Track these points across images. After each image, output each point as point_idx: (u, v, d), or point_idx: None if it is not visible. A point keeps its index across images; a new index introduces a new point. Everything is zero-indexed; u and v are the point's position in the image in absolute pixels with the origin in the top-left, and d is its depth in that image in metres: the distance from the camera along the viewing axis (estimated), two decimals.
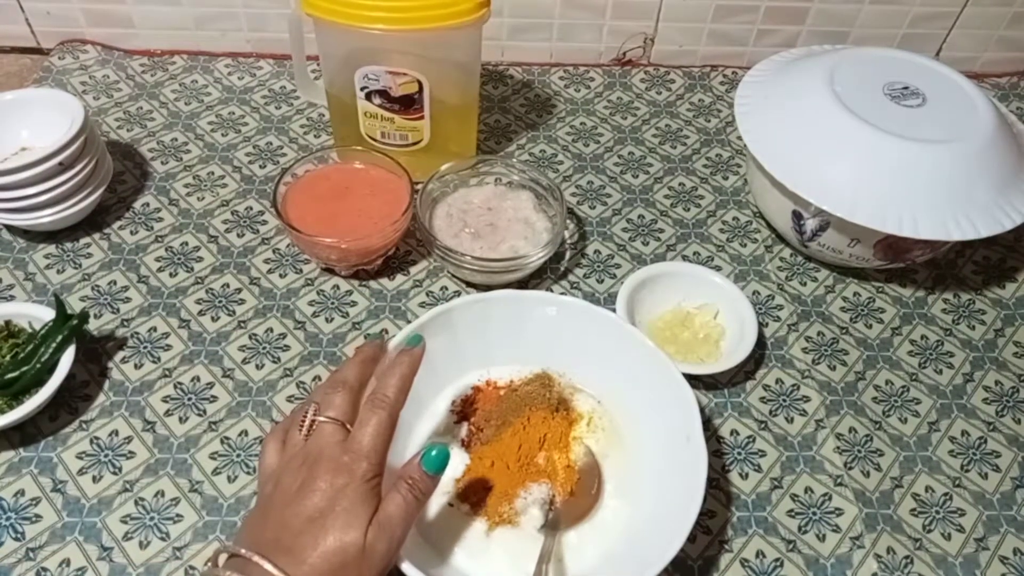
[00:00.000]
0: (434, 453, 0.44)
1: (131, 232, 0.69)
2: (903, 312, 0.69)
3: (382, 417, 0.44)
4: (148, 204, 0.72)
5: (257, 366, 0.61)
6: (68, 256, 0.67)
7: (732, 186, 0.79)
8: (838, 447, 0.59)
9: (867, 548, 0.54)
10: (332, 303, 0.65)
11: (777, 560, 0.53)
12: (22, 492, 0.53)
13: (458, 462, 0.54)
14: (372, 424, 0.44)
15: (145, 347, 0.61)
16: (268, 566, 0.39)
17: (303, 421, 0.45)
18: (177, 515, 0.53)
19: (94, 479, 0.54)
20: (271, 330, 0.63)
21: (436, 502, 0.53)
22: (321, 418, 0.45)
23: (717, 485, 0.57)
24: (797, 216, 0.66)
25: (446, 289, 0.67)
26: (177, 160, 0.76)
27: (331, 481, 0.42)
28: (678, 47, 0.90)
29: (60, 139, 0.62)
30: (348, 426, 0.45)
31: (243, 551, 0.40)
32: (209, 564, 0.41)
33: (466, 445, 0.55)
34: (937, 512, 0.56)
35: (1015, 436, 0.61)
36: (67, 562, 0.50)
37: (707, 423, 0.60)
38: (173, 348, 0.62)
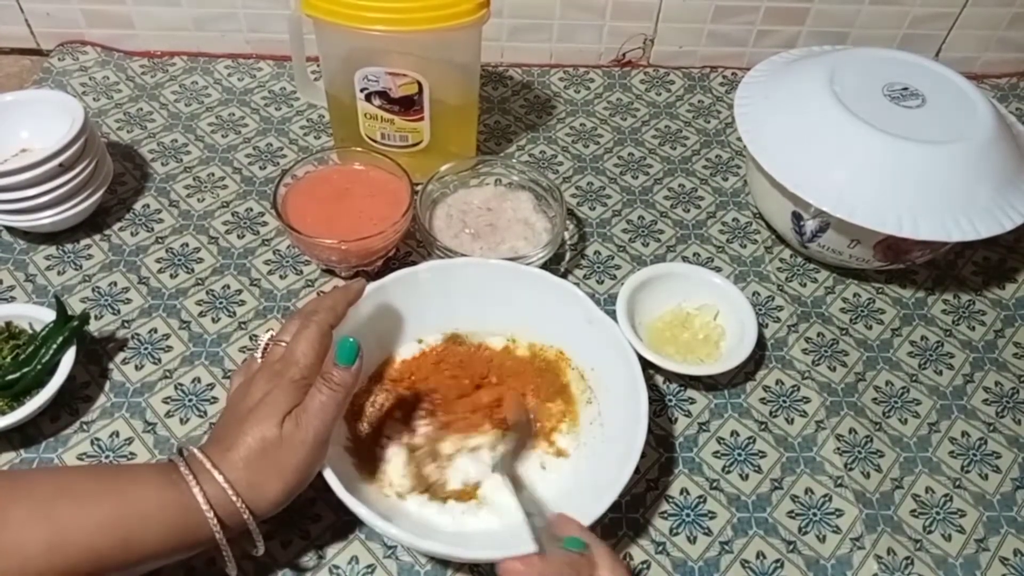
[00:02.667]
0: (347, 345, 0.47)
1: (131, 233, 0.70)
2: (903, 313, 0.69)
3: (311, 329, 0.48)
4: (148, 205, 0.72)
5: None
6: (68, 257, 0.67)
7: (732, 187, 0.79)
8: (838, 448, 0.59)
9: (867, 549, 0.54)
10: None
11: (778, 561, 0.53)
12: None
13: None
14: (303, 336, 0.48)
15: (146, 348, 0.61)
16: (199, 454, 0.44)
17: (262, 347, 0.51)
18: None
19: None
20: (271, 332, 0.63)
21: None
22: (279, 343, 0.50)
23: (717, 486, 0.57)
24: (797, 217, 0.66)
25: None
26: (177, 161, 0.76)
27: (263, 385, 0.47)
28: (678, 48, 0.90)
29: (60, 140, 0.62)
30: None
31: (187, 446, 0.46)
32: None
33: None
34: (937, 513, 0.56)
35: (1015, 437, 0.61)
36: None
37: (707, 424, 0.60)
38: (174, 349, 0.62)
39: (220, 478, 0.43)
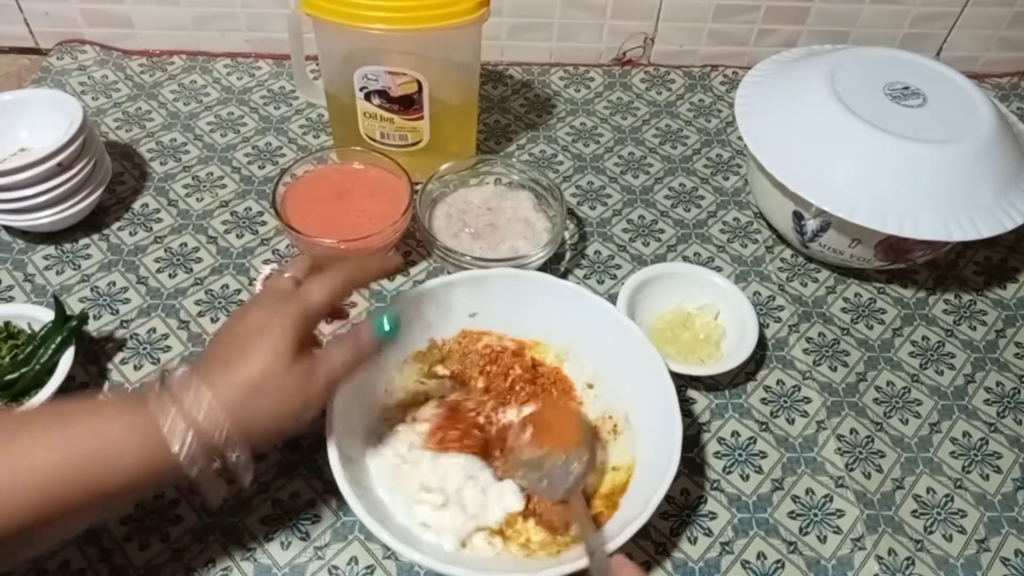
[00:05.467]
0: (393, 320, 0.46)
1: (130, 233, 0.69)
2: (904, 313, 0.69)
3: (335, 276, 0.46)
4: (147, 205, 0.72)
5: None
6: (67, 257, 0.67)
7: (732, 186, 0.78)
8: (839, 448, 0.59)
9: (868, 550, 0.54)
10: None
11: (778, 562, 0.53)
12: None
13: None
14: (325, 278, 0.46)
15: (144, 348, 0.61)
16: (190, 373, 0.41)
17: (268, 276, 0.49)
18: (176, 516, 0.52)
19: None
20: None
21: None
22: (274, 273, 0.48)
23: (718, 487, 0.57)
24: (798, 217, 0.66)
25: None
26: (176, 161, 0.76)
27: (263, 313, 0.44)
28: (678, 47, 0.90)
29: (59, 140, 0.62)
30: None
31: (174, 364, 0.42)
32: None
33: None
34: (938, 513, 0.56)
35: (1016, 437, 0.61)
36: (67, 564, 0.50)
37: (708, 424, 0.60)
38: (173, 349, 0.61)
39: (207, 396, 0.40)
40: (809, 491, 0.57)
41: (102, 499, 0.39)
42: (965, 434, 0.61)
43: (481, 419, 0.56)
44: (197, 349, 0.61)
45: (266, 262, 0.51)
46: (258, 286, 0.50)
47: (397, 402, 0.57)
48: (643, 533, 0.53)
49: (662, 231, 0.74)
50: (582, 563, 0.45)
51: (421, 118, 0.68)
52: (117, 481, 0.39)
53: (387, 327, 0.47)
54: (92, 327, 0.62)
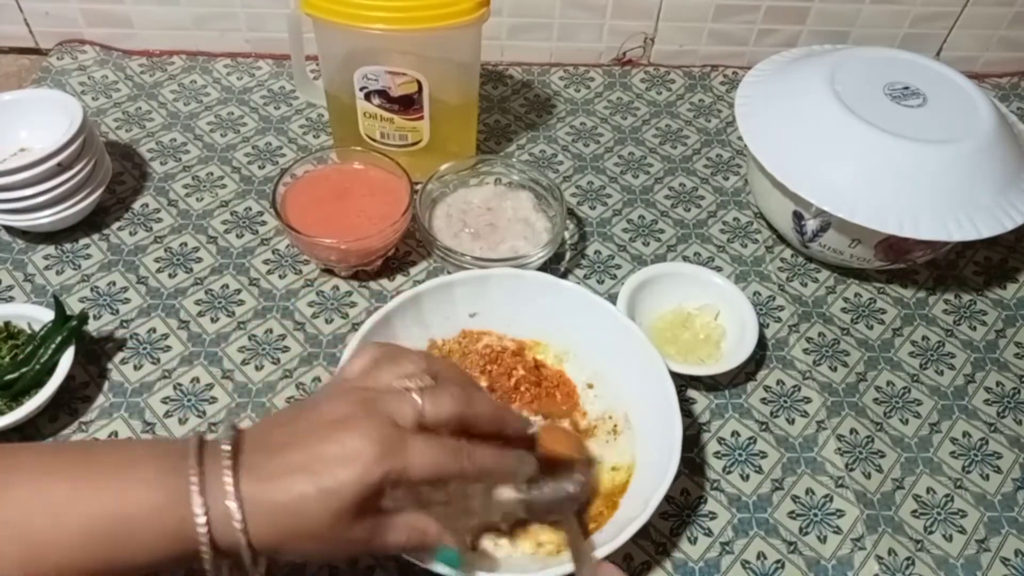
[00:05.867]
0: (455, 558, 0.41)
1: (130, 233, 0.69)
2: (904, 313, 0.69)
3: (450, 461, 0.39)
4: (147, 205, 0.72)
5: (256, 367, 0.61)
6: (67, 257, 0.67)
7: (732, 186, 0.78)
8: (839, 448, 0.59)
9: (868, 550, 0.54)
10: (332, 304, 0.65)
11: (778, 562, 0.53)
12: None
13: None
14: (436, 454, 0.39)
15: (144, 348, 0.61)
16: (228, 478, 0.36)
17: (411, 381, 0.41)
18: None
19: None
20: (271, 331, 0.63)
21: None
22: (416, 397, 0.40)
23: (718, 487, 0.57)
24: (798, 217, 0.66)
25: None
26: (176, 161, 0.76)
27: (358, 444, 0.37)
28: (678, 47, 0.90)
29: (59, 140, 0.62)
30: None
31: (233, 425, 0.38)
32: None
33: None
34: (938, 513, 0.56)
35: (1016, 437, 0.61)
36: None
37: (708, 424, 0.60)
38: (172, 349, 0.61)
39: (238, 523, 0.36)
40: (809, 491, 0.57)
41: (120, 573, 0.37)
42: (965, 434, 0.61)
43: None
44: (196, 349, 0.61)
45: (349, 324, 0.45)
46: (388, 377, 0.41)
47: None
48: (643, 533, 0.53)
49: (662, 231, 0.74)
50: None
51: (421, 118, 0.68)
52: (139, 559, 0.36)
53: (454, 559, 0.42)
54: (92, 327, 0.62)
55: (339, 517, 0.37)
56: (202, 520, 0.35)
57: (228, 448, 0.37)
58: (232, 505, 0.36)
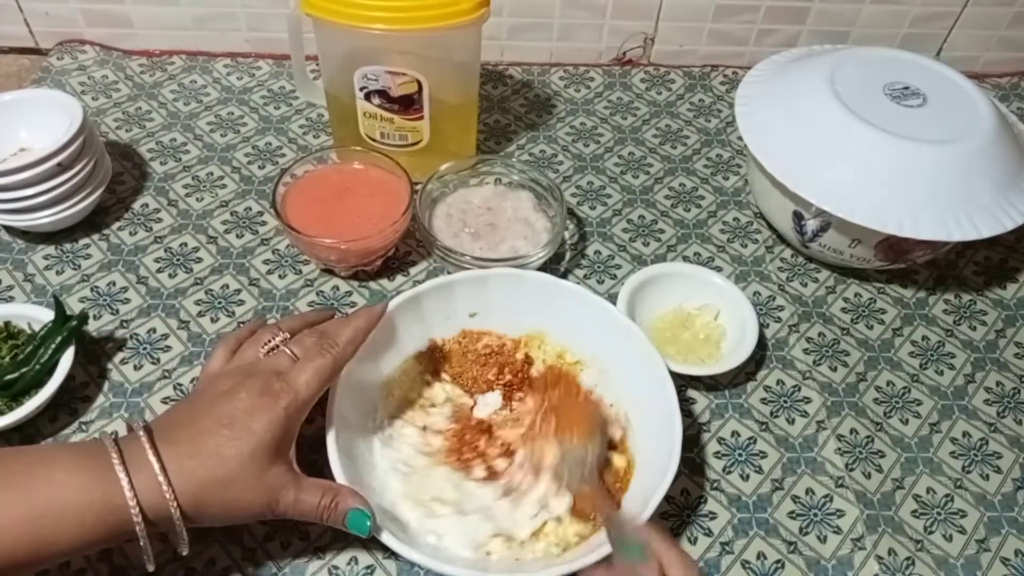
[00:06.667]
0: (366, 523, 0.44)
1: (130, 233, 0.69)
2: (904, 313, 0.69)
3: (326, 361, 0.46)
4: (147, 205, 0.72)
5: None
6: (67, 257, 0.67)
7: (732, 186, 0.78)
8: (839, 448, 0.59)
9: (868, 550, 0.54)
10: (332, 304, 0.65)
11: (778, 562, 0.53)
12: None
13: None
14: (314, 364, 0.45)
15: (144, 348, 0.61)
16: (147, 446, 0.40)
17: (268, 342, 0.48)
18: None
19: None
20: None
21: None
22: (286, 349, 0.47)
23: (718, 487, 0.57)
24: (798, 217, 0.66)
25: None
26: (176, 161, 0.76)
27: (254, 398, 0.43)
28: (678, 47, 0.90)
29: (59, 140, 0.62)
30: None
31: (136, 423, 0.42)
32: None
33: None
34: (938, 513, 0.56)
35: (1016, 437, 0.61)
36: (67, 563, 0.50)
37: (708, 424, 0.60)
38: (172, 349, 0.61)
39: (163, 480, 0.39)
40: (809, 491, 0.57)
41: (48, 559, 0.39)
42: (965, 434, 0.61)
43: (497, 445, 0.55)
44: (196, 349, 0.61)
45: (258, 313, 0.51)
46: (253, 352, 0.48)
47: (398, 403, 0.56)
48: None
49: (662, 231, 0.74)
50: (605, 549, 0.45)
51: (421, 118, 0.68)
52: (65, 543, 0.39)
53: (364, 525, 0.44)
54: (92, 327, 0.62)
55: (255, 456, 0.42)
56: (126, 483, 0.39)
57: (141, 427, 0.41)
58: (154, 462, 0.39)
